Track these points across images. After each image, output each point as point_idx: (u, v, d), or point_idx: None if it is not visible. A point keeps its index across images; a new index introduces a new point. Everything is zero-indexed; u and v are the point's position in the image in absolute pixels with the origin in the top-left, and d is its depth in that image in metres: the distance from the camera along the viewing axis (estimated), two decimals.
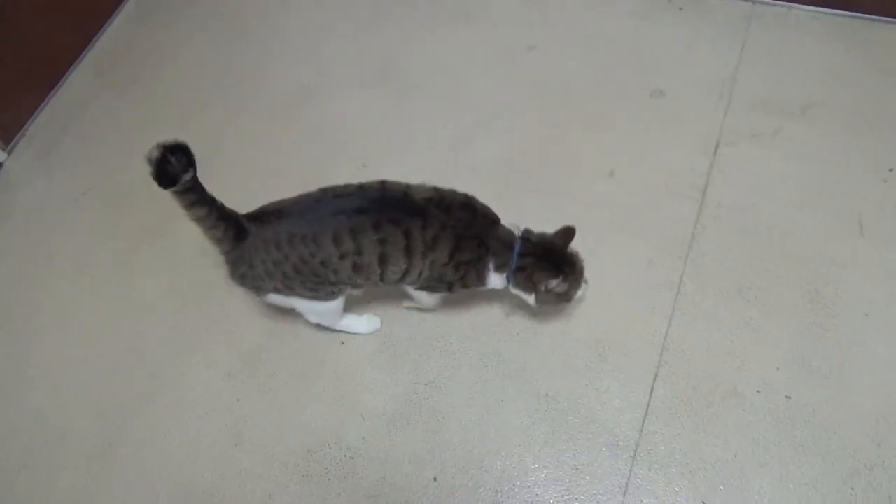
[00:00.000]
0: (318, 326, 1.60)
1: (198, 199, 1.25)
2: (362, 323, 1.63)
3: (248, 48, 2.28)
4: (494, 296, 1.59)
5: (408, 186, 1.35)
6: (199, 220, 1.28)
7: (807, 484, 1.36)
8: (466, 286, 1.43)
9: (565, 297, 1.43)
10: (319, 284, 1.39)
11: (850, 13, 2.02)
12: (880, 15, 2.00)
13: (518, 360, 1.57)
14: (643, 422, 1.46)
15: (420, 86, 2.09)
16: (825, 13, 2.04)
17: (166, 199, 1.91)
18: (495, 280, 1.42)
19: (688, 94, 1.93)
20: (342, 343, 1.64)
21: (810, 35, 2.01)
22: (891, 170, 1.73)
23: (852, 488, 1.35)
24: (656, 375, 1.50)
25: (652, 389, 1.49)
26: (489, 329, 1.61)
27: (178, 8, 2.43)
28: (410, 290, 1.50)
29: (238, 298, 1.73)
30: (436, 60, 2.14)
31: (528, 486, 1.42)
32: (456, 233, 1.33)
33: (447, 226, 1.32)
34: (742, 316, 1.56)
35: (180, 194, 1.22)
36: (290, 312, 1.58)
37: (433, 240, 1.32)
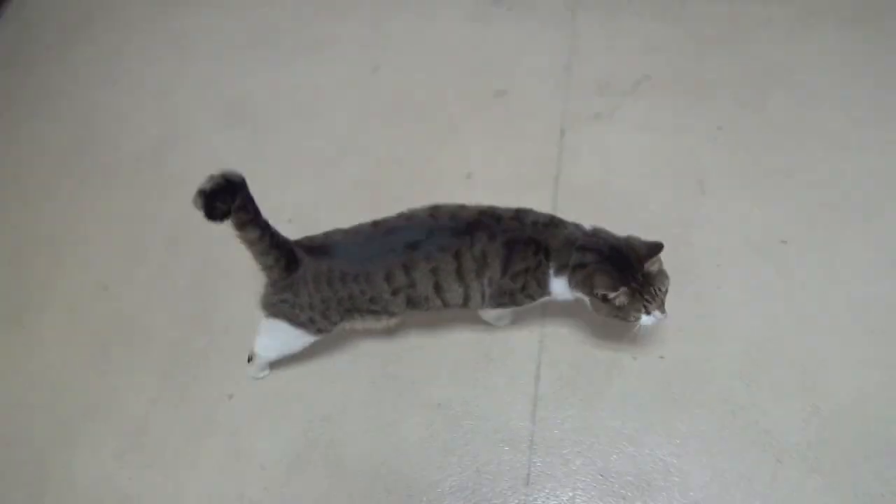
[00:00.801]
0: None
1: (250, 220, 1.20)
2: (264, 372, 1.62)
3: (96, 114, 2.19)
4: None
5: (461, 207, 1.31)
6: (250, 243, 1.24)
7: (692, 435, 1.44)
8: (531, 297, 1.35)
9: (621, 315, 1.27)
10: (352, 314, 1.37)
11: None
12: None
13: (407, 375, 1.58)
14: (534, 411, 1.50)
15: (276, 121, 2.08)
16: None
17: (20, 289, 1.84)
18: (558, 286, 1.31)
19: (528, 88, 2.01)
20: (230, 396, 1.60)
21: (632, 15, 2.14)
22: (719, 128, 1.86)
23: (731, 430, 1.44)
24: (539, 363, 1.55)
25: (537, 378, 1.54)
26: (375, 348, 1.61)
27: (14, 86, 2.31)
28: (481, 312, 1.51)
29: (114, 374, 1.66)
30: (288, 93, 2.14)
31: (435, 499, 1.43)
32: (505, 240, 1.26)
33: (495, 236, 1.26)
34: None
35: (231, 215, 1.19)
36: (175, 375, 1.54)
37: (482, 255, 1.26)
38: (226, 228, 1.19)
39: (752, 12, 2.10)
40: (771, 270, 1.63)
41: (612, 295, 1.23)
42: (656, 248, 1.24)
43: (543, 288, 1.32)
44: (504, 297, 1.34)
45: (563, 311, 1.60)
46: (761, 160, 1.80)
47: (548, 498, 1.40)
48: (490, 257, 1.26)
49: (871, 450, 1.39)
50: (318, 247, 1.30)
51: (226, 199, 1.15)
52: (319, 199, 1.88)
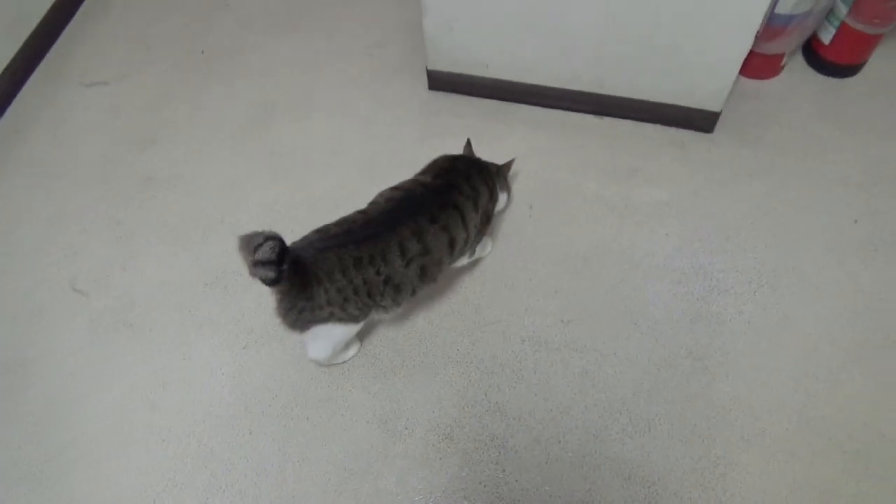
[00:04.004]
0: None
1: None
2: (351, 349, 1.60)
3: None
4: None
5: (412, 181, 1.46)
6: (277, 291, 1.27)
7: None
8: (496, 201, 1.60)
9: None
10: (368, 305, 1.37)
11: None
12: None
13: None
14: None
15: None
16: None
17: None
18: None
19: None
20: None
21: None
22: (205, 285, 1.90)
23: None
24: None
25: None
26: None
27: None
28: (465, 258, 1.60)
29: None
30: None
31: None
32: (477, 169, 1.51)
33: (470, 173, 1.48)
34: None
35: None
36: None
37: (472, 188, 1.45)
38: None
39: None
40: None
41: (511, 167, 1.68)
42: (468, 144, 1.69)
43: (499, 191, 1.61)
44: (485, 220, 1.54)
45: None
46: None
47: None
48: (477, 187, 1.47)
49: None
50: (317, 241, 1.30)
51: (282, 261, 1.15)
52: None
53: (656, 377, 1.59)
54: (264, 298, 1.72)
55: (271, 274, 1.17)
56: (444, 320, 1.69)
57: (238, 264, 1.73)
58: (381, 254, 1.30)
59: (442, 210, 1.38)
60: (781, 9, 1.84)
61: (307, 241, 1.32)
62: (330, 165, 1.97)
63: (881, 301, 1.68)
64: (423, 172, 1.50)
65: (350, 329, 1.45)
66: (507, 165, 1.68)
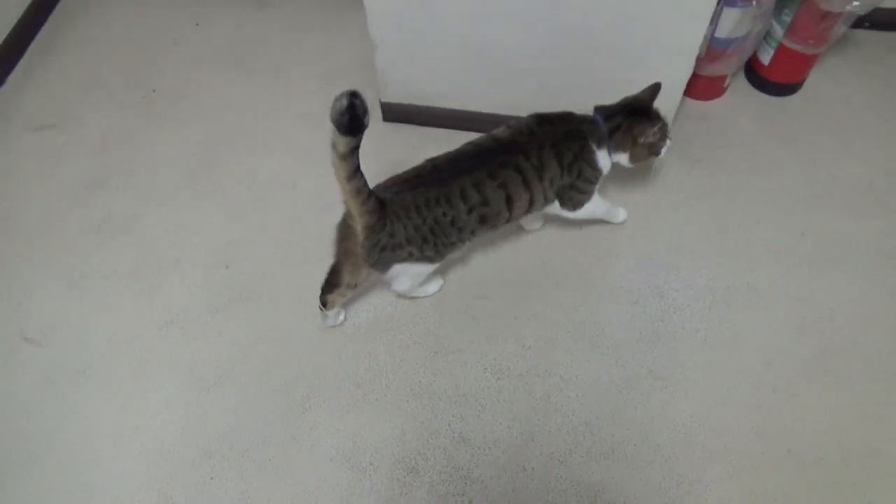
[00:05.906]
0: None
1: (358, 166, 1.27)
2: (433, 285, 1.73)
3: None
4: None
5: (491, 134, 1.51)
6: (357, 191, 1.30)
7: None
8: (589, 180, 1.57)
9: (655, 150, 1.59)
10: (443, 246, 1.50)
11: None
12: None
13: None
14: None
15: None
16: None
17: None
18: (602, 158, 1.56)
19: None
20: None
21: None
22: None
23: None
24: None
25: None
26: None
27: None
28: (555, 211, 1.64)
29: None
30: None
31: None
32: (551, 143, 1.49)
33: (543, 144, 1.48)
34: None
35: (350, 157, 1.23)
36: None
37: (539, 161, 1.48)
38: None
39: None
40: None
41: (652, 131, 1.52)
42: (656, 88, 1.57)
43: (594, 166, 1.56)
44: (570, 193, 1.58)
45: None
46: None
47: None
48: (545, 160, 1.48)
49: None
50: (393, 185, 1.43)
51: (363, 101, 1.17)
52: None
53: (618, 398, 1.61)
54: (223, 340, 1.70)
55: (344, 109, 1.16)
56: (405, 352, 1.68)
57: (197, 307, 1.71)
58: (446, 197, 1.43)
59: (503, 168, 1.46)
60: (721, 33, 1.90)
61: (382, 187, 1.45)
62: (284, 201, 1.96)
63: (831, 311, 1.73)
64: (509, 126, 1.53)
65: (427, 268, 1.57)
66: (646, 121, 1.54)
